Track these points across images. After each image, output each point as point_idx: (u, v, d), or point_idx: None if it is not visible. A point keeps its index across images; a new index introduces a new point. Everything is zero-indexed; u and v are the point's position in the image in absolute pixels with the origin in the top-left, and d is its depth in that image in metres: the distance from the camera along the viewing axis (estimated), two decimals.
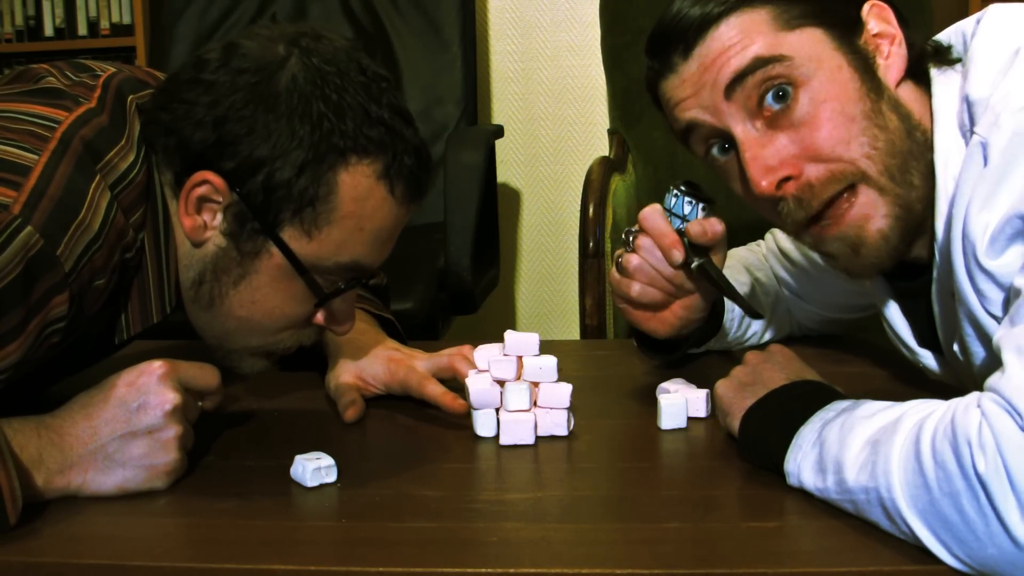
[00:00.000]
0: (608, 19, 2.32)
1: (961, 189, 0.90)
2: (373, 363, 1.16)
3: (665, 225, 1.09)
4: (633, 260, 1.10)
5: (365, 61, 1.01)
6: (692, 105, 1.01)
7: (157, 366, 0.92)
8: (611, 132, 2.38)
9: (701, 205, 1.08)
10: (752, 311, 1.09)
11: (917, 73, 1.00)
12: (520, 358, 1.05)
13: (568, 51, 2.78)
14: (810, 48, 0.97)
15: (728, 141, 1.01)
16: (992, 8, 0.97)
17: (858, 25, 0.99)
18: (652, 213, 1.10)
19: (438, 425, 1.10)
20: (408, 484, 0.94)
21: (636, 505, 0.90)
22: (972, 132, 0.91)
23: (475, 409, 1.05)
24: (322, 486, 0.93)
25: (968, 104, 0.93)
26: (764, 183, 0.97)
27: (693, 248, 1.08)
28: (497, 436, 1.04)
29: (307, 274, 1.00)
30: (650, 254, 1.10)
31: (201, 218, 1.00)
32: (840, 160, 0.96)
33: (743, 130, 0.98)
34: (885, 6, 1.00)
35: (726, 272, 1.11)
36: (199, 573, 0.81)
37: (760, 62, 0.96)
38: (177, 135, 0.99)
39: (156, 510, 0.90)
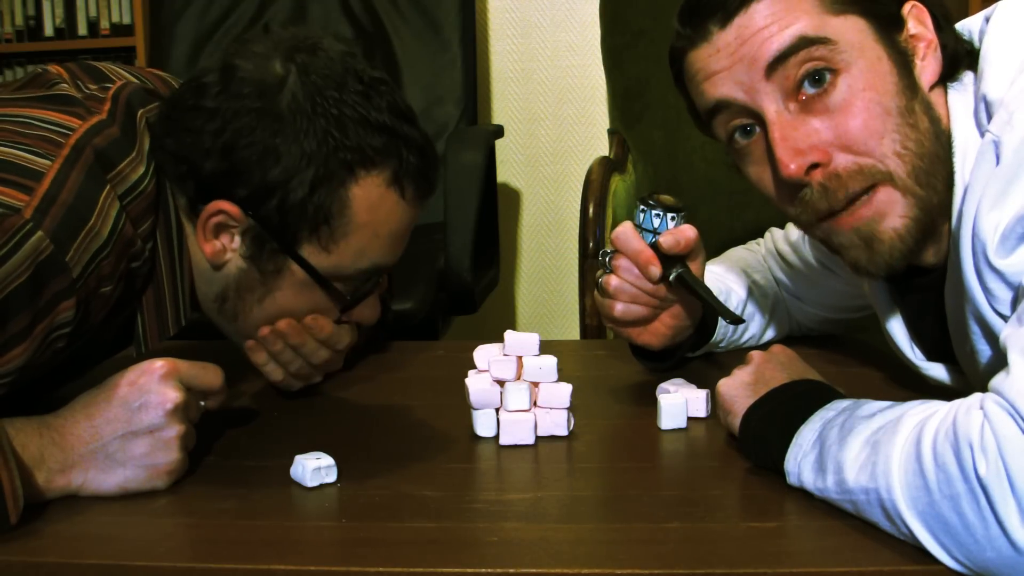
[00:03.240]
0: (608, 19, 2.32)
1: (972, 187, 0.89)
2: None
3: (638, 242, 1.09)
4: (613, 281, 1.12)
5: (361, 66, 1.02)
6: (725, 80, 0.97)
7: (159, 365, 0.92)
8: (611, 132, 2.38)
9: (670, 215, 1.09)
10: (732, 317, 1.08)
11: (947, 79, 0.98)
12: (520, 358, 1.05)
13: (568, 51, 2.78)
14: (853, 35, 0.95)
15: (754, 121, 0.98)
16: (1002, 5, 0.97)
17: (899, 22, 0.97)
18: (625, 232, 1.10)
19: (438, 425, 1.10)
20: (408, 484, 0.94)
21: (636, 505, 0.90)
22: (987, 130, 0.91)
23: (475, 409, 1.05)
24: (322, 486, 0.93)
25: (986, 104, 0.92)
26: (793, 166, 0.94)
27: (669, 259, 1.09)
28: (497, 436, 1.04)
29: (328, 285, 1.01)
30: (628, 273, 1.11)
31: (220, 242, 1.01)
32: (870, 155, 0.94)
33: (776, 110, 0.95)
34: (924, 9, 0.98)
35: (717, 273, 1.10)
36: (199, 573, 0.81)
37: (804, 42, 0.94)
38: (187, 164, 1.00)
39: (156, 510, 0.90)
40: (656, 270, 1.08)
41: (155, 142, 1.01)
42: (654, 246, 1.09)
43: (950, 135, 0.96)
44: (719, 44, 0.97)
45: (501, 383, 1.05)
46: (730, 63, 0.96)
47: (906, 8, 0.98)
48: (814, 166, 0.95)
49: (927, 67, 0.97)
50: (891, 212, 0.95)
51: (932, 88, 0.97)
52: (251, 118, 0.97)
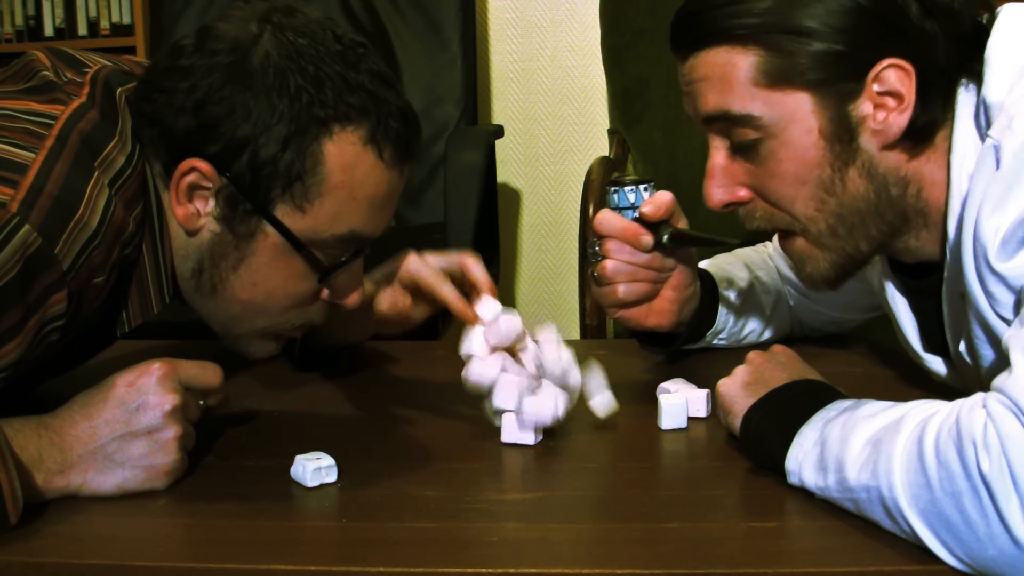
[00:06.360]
0: (608, 19, 2.32)
1: (973, 191, 0.90)
2: (392, 264, 1.19)
3: (621, 220, 1.14)
4: (608, 265, 1.14)
5: (340, 30, 1.01)
6: (686, 103, 1.04)
7: (157, 367, 0.92)
8: (611, 132, 2.38)
9: (642, 187, 1.13)
10: (729, 244, 1.17)
11: (921, 135, 0.96)
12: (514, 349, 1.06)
13: (568, 51, 2.78)
14: (784, 109, 0.97)
15: None
16: (1006, 8, 0.96)
17: (858, 86, 0.95)
18: (605, 216, 1.14)
19: (438, 425, 1.10)
20: (408, 484, 0.94)
21: (636, 505, 0.90)
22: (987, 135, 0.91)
23: (482, 383, 1.03)
24: (322, 486, 0.93)
25: (986, 107, 0.92)
26: (714, 200, 1.02)
27: (654, 227, 1.13)
28: (500, 430, 1.03)
29: (305, 249, 1.00)
30: (620, 252, 1.14)
31: (193, 206, 1.00)
32: (785, 211, 1.00)
33: (715, 146, 1.02)
34: (910, 69, 0.94)
35: (719, 265, 1.13)
36: (199, 573, 0.81)
37: (726, 116, 0.99)
38: (160, 125, 0.99)
39: (156, 510, 0.90)
40: (648, 239, 1.13)
41: (133, 111, 1.01)
42: (637, 220, 1.13)
43: (906, 185, 0.98)
44: (682, 70, 1.03)
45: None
46: (687, 91, 1.03)
47: (882, 65, 0.94)
48: (735, 203, 1.02)
49: (884, 130, 0.96)
50: (810, 259, 1.02)
51: (893, 145, 0.96)
52: (222, 74, 0.96)
